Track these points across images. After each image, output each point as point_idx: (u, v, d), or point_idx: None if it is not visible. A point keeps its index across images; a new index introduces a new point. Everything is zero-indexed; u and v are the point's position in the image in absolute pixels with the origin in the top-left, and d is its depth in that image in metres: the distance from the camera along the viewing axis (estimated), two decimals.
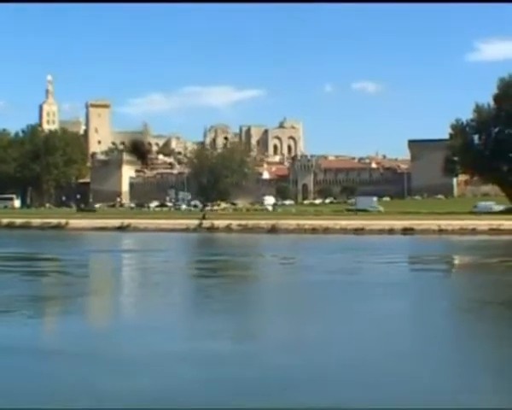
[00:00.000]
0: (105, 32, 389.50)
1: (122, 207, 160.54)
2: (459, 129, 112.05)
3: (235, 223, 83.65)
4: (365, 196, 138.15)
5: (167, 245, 62.96)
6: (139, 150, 38.42)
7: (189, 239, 72.86)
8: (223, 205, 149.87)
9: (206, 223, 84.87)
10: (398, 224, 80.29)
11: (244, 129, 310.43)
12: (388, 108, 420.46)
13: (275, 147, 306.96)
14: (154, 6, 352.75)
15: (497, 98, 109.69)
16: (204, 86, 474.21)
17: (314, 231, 79.68)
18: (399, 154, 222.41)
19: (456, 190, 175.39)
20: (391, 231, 77.96)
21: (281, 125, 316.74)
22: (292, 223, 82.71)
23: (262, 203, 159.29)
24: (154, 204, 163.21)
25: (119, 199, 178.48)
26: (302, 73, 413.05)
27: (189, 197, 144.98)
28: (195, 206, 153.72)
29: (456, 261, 48.88)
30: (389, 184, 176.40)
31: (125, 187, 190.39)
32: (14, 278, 35.25)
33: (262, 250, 58.27)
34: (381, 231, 78.21)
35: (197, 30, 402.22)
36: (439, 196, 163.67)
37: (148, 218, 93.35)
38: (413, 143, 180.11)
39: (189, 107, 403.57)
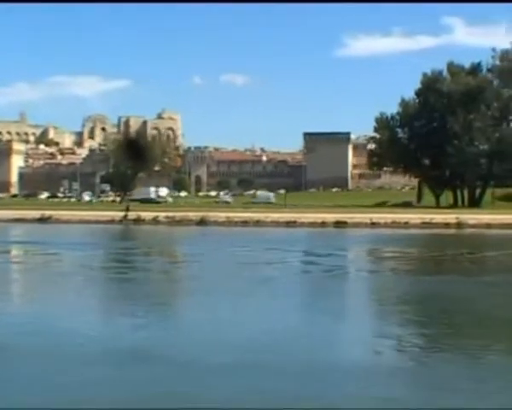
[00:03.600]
0: None
1: (15, 198, 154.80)
2: (384, 123, 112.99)
3: (162, 215, 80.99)
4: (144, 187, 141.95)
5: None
6: (136, 148, 36.21)
7: (109, 231, 69.86)
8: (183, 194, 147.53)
9: (132, 215, 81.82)
10: (331, 217, 79.63)
11: (123, 119, 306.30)
12: (258, 101, 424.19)
13: (153, 138, 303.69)
14: None
15: (420, 93, 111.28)
16: (71, 76, 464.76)
17: (245, 223, 78.16)
18: (277, 146, 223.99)
19: (350, 184, 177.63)
20: (323, 224, 77.24)
21: (159, 116, 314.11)
22: (221, 215, 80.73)
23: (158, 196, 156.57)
24: (44, 195, 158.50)
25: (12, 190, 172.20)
26: (170, 65, 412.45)
27: (108, 188, 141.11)
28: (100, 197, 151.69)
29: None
30: (284, 177, 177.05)
31: (15, 177, 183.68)
32: None
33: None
34: (312, 224, 77.37)
35: (63, 19, 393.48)
36: (335, 189, 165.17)
37: (70, 209, 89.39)
38: (308, 136, 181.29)
39: (56, 96, 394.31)
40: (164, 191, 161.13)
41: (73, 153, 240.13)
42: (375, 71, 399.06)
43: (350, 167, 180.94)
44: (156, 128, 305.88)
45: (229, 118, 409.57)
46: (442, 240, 61.04)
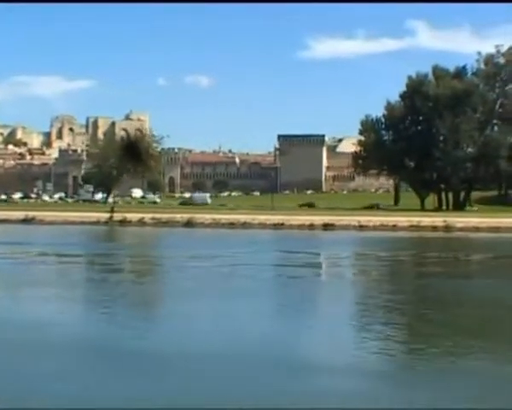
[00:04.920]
0: None
1: None
2: (369, 125, 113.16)
3: (148, 216, 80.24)
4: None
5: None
6: (136, 150, 35.82)
7: (94, 233, 69.03)
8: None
9: (118, 216, 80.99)
10: (318, 219, 79.51)
11: (91, 120, 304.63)
12: (223, 102, 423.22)
13: (122, 139, 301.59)
14: None
15: (405, 96, 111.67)
16: (33, 76, 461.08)
17: (232, 225, 77.78)
18: (244, 147, 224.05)
19: (324, 186, 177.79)
20: (311, 227, 77.13)
21: (127, 117, 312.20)
22: (208, 217, 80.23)
23: (130, 196, 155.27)
24: (17, 195, 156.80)
25: None
26: (134, 66, 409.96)
27: (91, 189, 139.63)
28: (61, 198, 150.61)
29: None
30: (257, 179, 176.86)
31: None
32: None
33: None
34: (301, 227, 77.23)
35: (23, 18, 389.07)
36: (309, 192, 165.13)
37: (55, 210, 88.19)
38: (282, 138, 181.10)
39: (19, 96, 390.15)
40: (138, 192, 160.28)
41: (43, 153, 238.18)
42: (338, 73, 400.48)
43: (324, 170, 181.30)
44: (125, 129, 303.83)
45: (195, 119, 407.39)
46: (437, 243, 61.10)
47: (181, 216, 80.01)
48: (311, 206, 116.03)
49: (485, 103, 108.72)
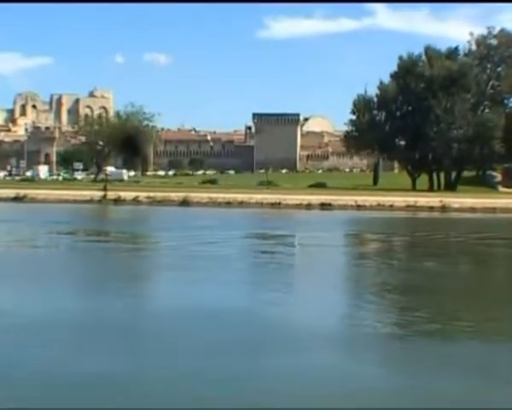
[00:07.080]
0: None
1: None
2: (362, 105, 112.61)
3: (143, 195, 79.10)
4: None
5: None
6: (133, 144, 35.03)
7: (90, 211, 67.80)
8: None
9: (112, 194, 79.70)
10: (316, 199, 79.10)
11: (55, 97, 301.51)
12: (182, 80, 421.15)
13: (86, 116, 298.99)
14: None
15: (397, 77, 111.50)
16: None
17: (228, 204, 77.09)
18: (208, 126, 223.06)
19: (298, 165, 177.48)
20: (309, 206, 76.72)
21: (91, 95, 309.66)
22: (203, 196, 79.31)
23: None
24: None
25: None
26: (91, 43, 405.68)
27: (81, 167, 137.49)
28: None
29: None
30: (231, 158, 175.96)
31: None
32: None
33: None
34: (298, 206, 76.76)
35: None
36: (284, 171, 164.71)
37: (47, 188, 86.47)
38: (258, 117, 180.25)
39: None
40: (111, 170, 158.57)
41: (9, 130, 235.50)
42: (297, 53, 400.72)
43: (298, 149, 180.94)
44: (89, 106, 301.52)
45: (155, 97, 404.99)
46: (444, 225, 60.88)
47: (176, 195, 79.09)
48: (213, 182, 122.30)
49: (477, 84, 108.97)
